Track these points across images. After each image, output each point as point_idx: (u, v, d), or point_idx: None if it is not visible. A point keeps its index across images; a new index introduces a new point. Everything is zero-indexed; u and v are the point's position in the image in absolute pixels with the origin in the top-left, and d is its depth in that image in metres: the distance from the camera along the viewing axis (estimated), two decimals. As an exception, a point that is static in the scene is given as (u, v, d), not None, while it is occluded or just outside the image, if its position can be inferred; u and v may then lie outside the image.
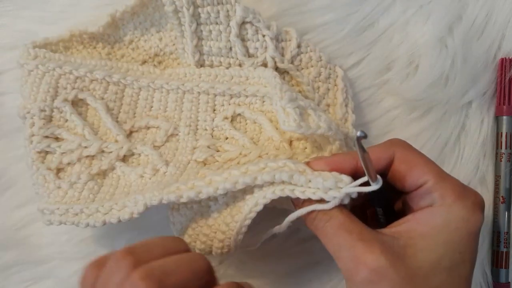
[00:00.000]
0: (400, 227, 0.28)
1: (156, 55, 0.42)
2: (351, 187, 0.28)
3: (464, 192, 0.28)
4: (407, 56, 0.43)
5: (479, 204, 0.28)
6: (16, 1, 0.44)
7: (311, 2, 0.43)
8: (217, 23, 0.38)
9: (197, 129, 0.40)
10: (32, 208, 0.44)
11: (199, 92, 0.40)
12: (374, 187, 0.28)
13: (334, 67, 0.41)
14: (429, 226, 0.27)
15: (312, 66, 0.40)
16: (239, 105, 0.40)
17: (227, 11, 0.38)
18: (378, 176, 0.28)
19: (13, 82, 0.44)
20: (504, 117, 0.44)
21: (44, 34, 0.41)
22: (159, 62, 0.42)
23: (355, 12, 0.43)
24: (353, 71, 0.43)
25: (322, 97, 0.40)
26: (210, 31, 0.39)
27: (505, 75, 0.44)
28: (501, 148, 0.44)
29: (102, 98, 0.40)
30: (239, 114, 0.40)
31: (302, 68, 0.40)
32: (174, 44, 0.41)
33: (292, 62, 0.40)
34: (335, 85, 0.41)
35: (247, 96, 0.39)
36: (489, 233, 0.45)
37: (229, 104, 0.40)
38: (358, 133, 0.25)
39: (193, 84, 0.39)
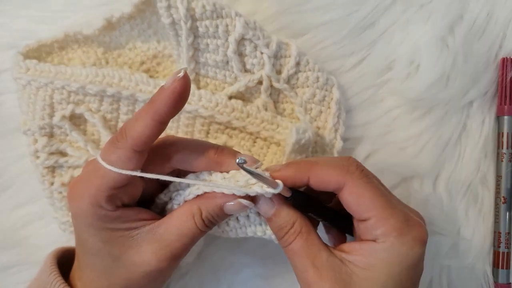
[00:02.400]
0: (347, 256, 0.30)
1: (155, 56, 0.41)
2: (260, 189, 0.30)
3: (406, 228, 0.30)
4: (408, 55, 0.43)
5: (420, 238, 0.30)
6: (16, 1, 0.44)
7: (311, 2, 0.43)
8: (215, 37, 0.38)
9: None
10: (32, 208, 0.44)
11: (196, 116, 0.39)
12: (276, 190, 0.30)
13: (331, 88, 0.40)
14: (372, 258, 0.30)
15: (307, 87, 0.40)
16: (231, 137, 0.40)
17: (226, 25, 0.37)
18: (279, 182, 0.30)
19: (12, 82, 0.43)
20: (506, 117, 0.44)
21: (44, 34, 0.41)
22: (158, 64, 0.42)
23: (355, 12, 0.43)
24: (353, 71, 0.43)
25: (314, 119, 0.41)
26: (208, 45, 0.38)
27: (506, 75, 0.44)
28: (502, 148, 0.44)
29: (99, 111, 0.40)
30: (229, 147, 0.39)
31: (298, 87, 0.40)
32: (172, 48, 0.41)
33: (288, 80, 0.40)
34: (329, 107, 0.41)
35: (241, 131, 0.39)
36: (490, 233, 0.45)
37: (222, 133, 0.39)
38: (237, 160, 0.28)
39: (192, 107, 0.38)
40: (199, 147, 0.32)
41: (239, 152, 0.33)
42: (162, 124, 0.29)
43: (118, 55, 0.42)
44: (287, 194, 0.31)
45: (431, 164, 0.44)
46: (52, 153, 0.40)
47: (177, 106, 0.29)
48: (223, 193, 0.31)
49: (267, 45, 0.39)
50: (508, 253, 0.44)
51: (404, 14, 0.43)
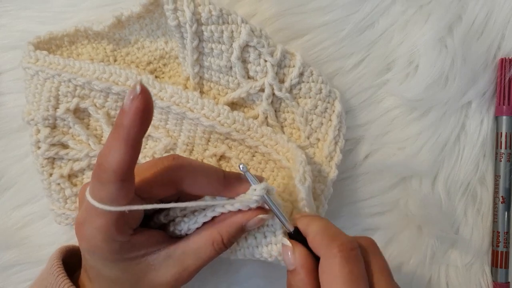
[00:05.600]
0: None
1: (162, 57, 0.41)
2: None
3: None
4: (407, 56, 0.43)
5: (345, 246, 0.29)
6: (16, 1, 0.44)
7: (311, 2, 0.43)
8: (219, 43, 0.38)
9: (192, 150, 0.40)
10: (32, 208, 0.44)
11: (197, 123, 0.39)
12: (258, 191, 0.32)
13: (333, 101, 0.40)
14: None
15: (310, 97, 0.40)
16: (230, 148, 0.39)
17: (232, 31, 0.37)
18: (263, 185, 0.31)
19: (13, 82, 0.44)
20: (504, 117, 0.44)
21: (44, 35, 0.41)
22: (164, 65, 0.42)
23: (355, 12, 0.43)
24: (353, 72, 0.43)
25: (314, 130, 0.40)
26: (212, 49, 0.38)
27: (504, 75, 0.44)
28: (500, 148, 0.44)
29: (103, 107, 0.40)
30: (228, 157, 0.40)
31: (300, 97, 0.40)
32: (178, 50, 0.41)
33: (291, 90, 0.40)
34: (330, 120, 0.40)
35: (240, 144, 0.39)
36: (489, 233, 0.45)
37: (222, 143, 0.39)
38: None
39: (194, 115, 0.38)
40: (208, 172, 0.32)
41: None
42: (136, 145, 0.28)
43: (126, 53, 0.42)
44: (291, 228, 0.32)
45: (429, 164, 0.44)
46: (53, 145, 0.40)
47: (144, 123, 0.28)
48: (242, 212, 0.32)
49: (271, 54, 0.38)
50: (506, 253, 0.44)
51: (403, 15, 0.43)
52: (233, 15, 0.37)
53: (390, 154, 0.44)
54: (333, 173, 0.40)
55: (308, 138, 0.40)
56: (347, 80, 0.43)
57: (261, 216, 0.32)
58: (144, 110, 0.27)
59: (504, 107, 0.44)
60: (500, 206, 0.44)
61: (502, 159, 0.44)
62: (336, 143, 0.40)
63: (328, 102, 0.40)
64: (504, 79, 0.44)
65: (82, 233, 0.31)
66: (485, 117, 0.45)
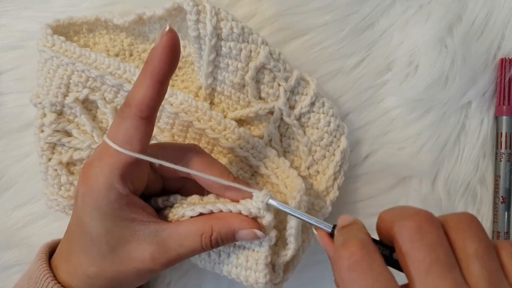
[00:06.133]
0: None
1: None
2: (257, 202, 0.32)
3: None
4: (407, 56, 0.43)
5: None
6: (16, 1, 0.44)
7: (311, 2, 0.43)
8: (236, 60, 0.38)
9: None
10: (32, 208, 0.44)
11: (202, 134, 0.39)
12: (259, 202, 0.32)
13: (340, 136, 0.40)
14: None
15: (317, 128, 0.39)
16: (231, 163, 0.39)
17: (250, 51, 0.37)
18: (265, 191, 0.32)
19: (13, 82, 0.44)
20: (504, 117, 0.44)
21: (44, 34, 0.41)
22: (179, 68, 0.42)
23: (355, 13, 0.43)
24: (353, 72, 0.43)
25: (316, 162, 0.40)
26: (228, 65, 0.38)
27: (504, 75, 0.44)
28: (500, 148, 0.44)
29: (113, 102, 0.40)
30: None
31: (307, 127, 0.40)
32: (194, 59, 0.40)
33: (299, 118, 0.39)
34: (333, 154, 0.40)
35: (242, 161, 0.39)
36: (489, 233, 0.45)
37: (224, 157, 0.39)
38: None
39: (201, 126, 0.38)
40: (220, 170, 0.33)
41: (252, 184, 0.34)
42: (161, 83, 0.30)
43: (143, 50, 0.42)
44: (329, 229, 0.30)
45: (429, 164, 0.44)
46: (57, 131, 0.40)
47: (171, 60, 0.29)
48: (239, 219, 0.32)
49: (286, 79, 0.38)
50: (506, 253, 0.44)
51: (403, 15, 0.43)
52: (254, 35, 0.37)
53: (390, 154, 0.44)
54: (326, 209, 0.39)
55: (308, 168, 0.40)
56: (347, 80, 0.43)
57: (255, 230, 0.32)
58: (171, 46, 0.29)
59: (504, 107, 0.44)
60: (500, 206, 0.44)
61: (502, 159, 0.44)
62: (335, 179, 0.39)
63: (335, 136, 0.40)
64: (504, 79, 0.44)
65: (86, 173, 0.31)
66: (485, 117, 0.45)
